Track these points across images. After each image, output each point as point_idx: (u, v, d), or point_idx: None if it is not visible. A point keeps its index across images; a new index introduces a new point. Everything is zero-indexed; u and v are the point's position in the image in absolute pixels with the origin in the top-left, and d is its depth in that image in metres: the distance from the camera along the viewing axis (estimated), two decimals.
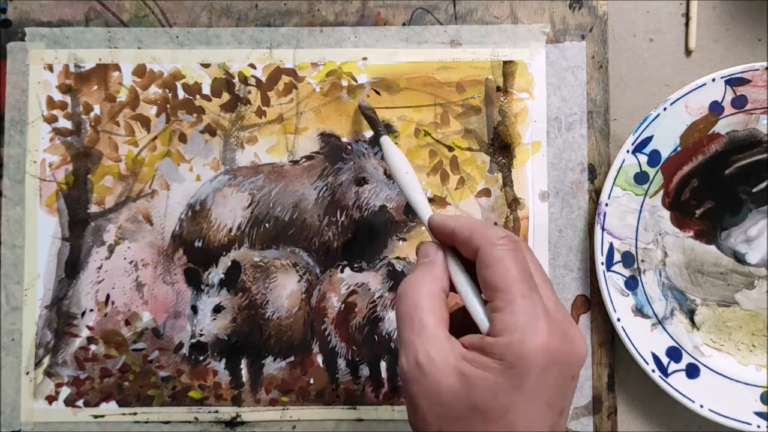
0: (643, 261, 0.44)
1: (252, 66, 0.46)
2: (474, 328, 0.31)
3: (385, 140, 0.41)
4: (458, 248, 0.33)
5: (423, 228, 0.45)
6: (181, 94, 0.46)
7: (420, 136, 0.46)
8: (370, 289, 0.45)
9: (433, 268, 0.33)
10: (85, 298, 0.45)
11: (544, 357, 0.29)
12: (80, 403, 0.45)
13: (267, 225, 0.46)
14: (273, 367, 0.45)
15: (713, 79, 0.43)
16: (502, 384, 0.29)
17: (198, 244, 0.45)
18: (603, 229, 0.44)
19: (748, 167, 0.44)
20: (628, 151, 0.43)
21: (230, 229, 0.45)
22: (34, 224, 0.45)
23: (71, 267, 0.45)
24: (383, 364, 0.45)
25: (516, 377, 0.28)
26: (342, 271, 0.45)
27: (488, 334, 0.30)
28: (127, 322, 0.45)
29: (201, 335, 0.45)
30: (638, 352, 0.43)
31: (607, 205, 0.44)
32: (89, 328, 0.45)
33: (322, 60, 0.46)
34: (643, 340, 0.43)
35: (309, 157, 0.46)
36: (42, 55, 0.45)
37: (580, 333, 0.31)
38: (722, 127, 0.44)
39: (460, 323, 0.32)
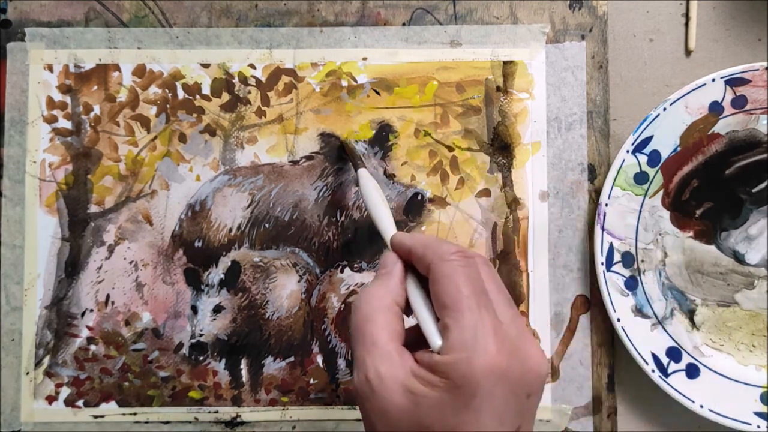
0: (643, 261, 0.44)
1: (252, 66, 0.46)
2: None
3: (362, 172, 0.41)
4: (415, 265, 0.33)
5: (423, 228, 0.45)
6: (180, 94, 0.46)
7: (420, 136, 0.46)
8: None
9: (389, 280, 0.33)
10: (85, 298, 0.45)
11: (491, 376, 0.28)
12: (80, 403, 0.45)
13: (267, 225, 0.46)
14: (273, 367, 0.45)
15: (713, 79, 0.43)
16: (448, 403, 0.28)
17: (198, 244, 0.45)
18: (603, 229, 0.44)
19: (748, 167, 0.44)
20: (628, 151, 0.43)
21: (230, 229, 0.45)
22: (34, 224, 0.45)
23: (71, 267, 0.45)
24: None
25: (461, 396, 0.28)
26: (342, 271, 0.45)
27: (438, 351, 0.30)
28: (127, 322, 0.45)
29: (201, 335, 0.45)
30: (638, 352, 0.43)
31: (607, 205, 0.44)
32: (89, 328, 0.45)
33: (322, 60, 0.46)
34: (643, 340, 0.43)
35: (309, 157, 0.46)
36: (42, 55, 0.45)
37: (537, 349, 0.30)
38: (722, 127, 0.44)
39: (418, 337, 0.32)
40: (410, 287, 0.33)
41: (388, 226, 0.37)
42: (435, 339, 0.30)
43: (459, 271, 0.30)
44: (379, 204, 0.38)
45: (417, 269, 0.33)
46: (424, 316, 0.31)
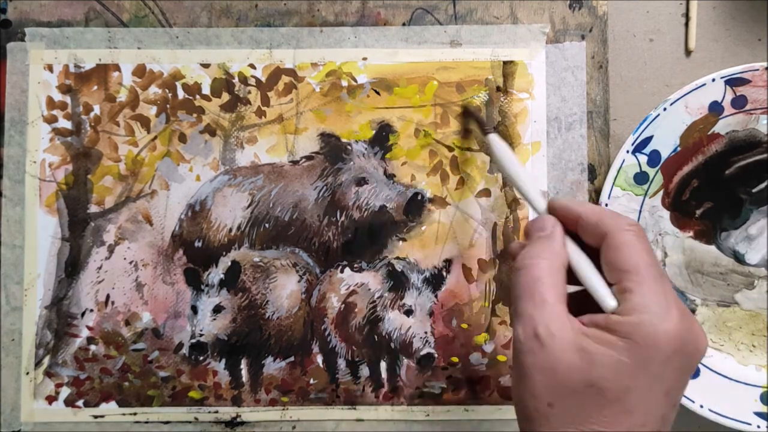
0: None
1: (252, 66, 0.46)
2: (590, 310, 0.31)
3: (493, 138, 0.40)
4: (580, 233, 0.33)
5: (423, 228, 0.45)
6: (181, 94, 0.46)
7: (420, 136, 0.46)
8: (369, 290, 0.45)
9: (552, 242, 0.33)
10: (85, 299, 0.45)
11: (674, 343, 0.28)
12: (80, 403, 0.45)
13: (267, 225, 0.46)
14: (273, 367, 0.45)
15: (713, 79, 0.43)
16: (626, 363, 0.28)
17: (198, 244, 0.45)
18: None
19: (748, 167, 0.44)
20: (628, 151, 0.43)
21: (230, 229, 0.45)
22: (34, 224, 0.45)
23: (71, 267, 0.45)
24: (383, 364, 0.45)
25: (642, 358, 0.28)
26: (342, 271, 0.45)
27: (615, 313, 0.30)
28: (127, 322, 0.45)
29: (201, 335, 0.45)
30: None
31: (607, 205, 0.44)
32: (89, 328, 0.45)
33: (322, 60, 0.46)
34: None
35: (309, 157, 0.46)
36: (42, 55, 0.45)
37: (702, 330, 0.31)
38: (722, 127, 0.44)
39: (572, 304, 0.32)
40: (572, 250, 0.33)
41: (536, 191, 0.37)
42: (610, 300, 0.31)
43: (640, 240, 0.31)
44: (519, 170, 0.38)
45: (579, 235, 0.33)
46: (594, 279, 0.32)
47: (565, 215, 0.34)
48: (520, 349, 0.30)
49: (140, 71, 0.46)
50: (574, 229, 0.34)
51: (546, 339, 0.29)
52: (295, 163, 0.46)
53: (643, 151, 0.44)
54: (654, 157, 0.44)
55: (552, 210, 0.35)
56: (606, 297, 0.31)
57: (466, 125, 0.45)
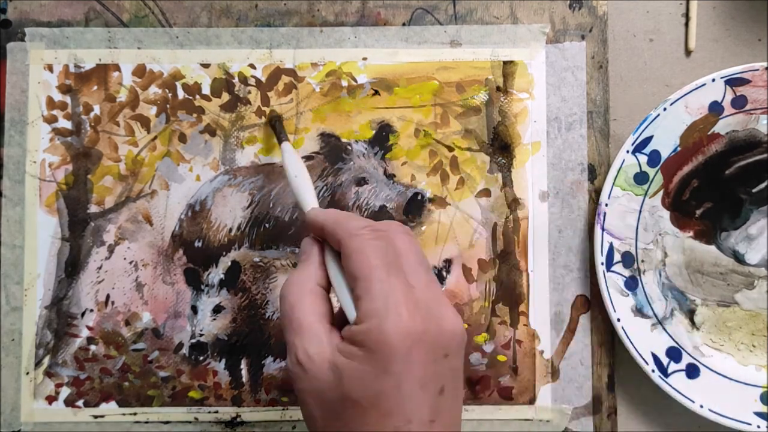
0: (643, 261, 0.44)
1: (252, 66, 0.46)
2: None
3: (286, 146, 0.41)
4: (328, 241, 0.34)
5: (423, 228, 0.45)
6: (181, 94, 0.46)
7: (420, 136, 0.46)
8: None
9: (308, 266, 0.34)
10: (85, 298, 0.45)
11: (406, 339, 0.29)
12: (80, 403, 0.45)
13: (267, 225, 0.46)
14: (273, 367, 0.45)
15: (713, 79, 0.43)
16: (367, 371, 0.29)
17: (198, 244, 0.45)
18: (603, 229, 0.44)
19: (748, 167, 0.44)
20: (628, 151, 0.43)
21: (230, 229, 0.45)
22: (34, 224, 0.45)
23: (71, 267, 0.45)
24: None
25: (379, 362, 0.29)
26: None
27: (353, 323, 0.31)
28: (127, 322, 0.45)
29: (201, 335, 0.45)
30: (638, 352, 0.43)
31: (607, 205, 0.44)
32: (89, 328, 0.45)
33: (322, 60, 0.46)
34: (643, 340, 0.43)
35: (309, 157, 0.46)
36: (42, 55, 0.45)
37: (451, 311, 0.31)
38: (722, 127, 0.44)
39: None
40: (329, 265, 0.34)
41: (308, 201, 0.37)
42: (351, 311, 0.31)
43: (368, 243, 0.31)
44: (302, 178, 0.39)
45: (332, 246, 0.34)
46: (341, 292, 0.32)
47: (314, 227, 0.35)
48: (291, 377, 0.31)
49: (140, 71, 0.46)
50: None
51: (306, 364, 0.30)
52: None
53: (643, 151, 0.44)
54: (654, 157, 0.44)
55: (308, 222, 0.36)
56: (348, 308, 0.32)
57: (271, 132, 0.45)
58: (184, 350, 0.45)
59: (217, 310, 0.45)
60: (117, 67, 0.46)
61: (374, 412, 0.29)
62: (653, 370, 0.43)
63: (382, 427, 0.29)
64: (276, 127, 0.44)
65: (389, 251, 0.31)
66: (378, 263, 0.31)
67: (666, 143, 0.44)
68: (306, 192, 0.38)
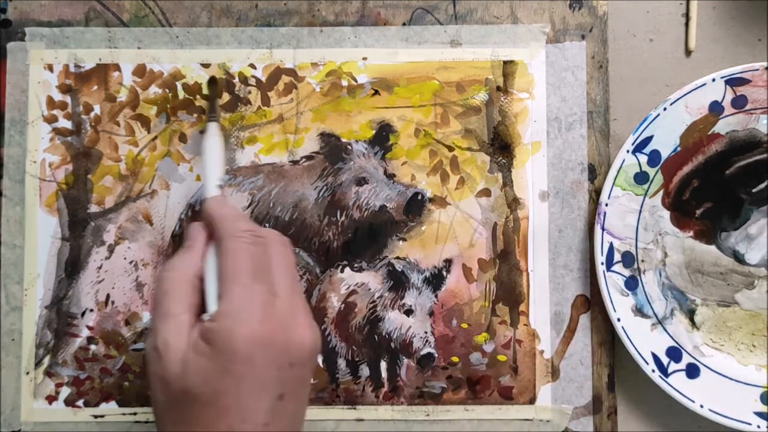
0: (643, 261, 0.44)
1: (252, 66, 0.46)
2: None
3: (212, 126, 0.41)
4: (213, 233, 0.35)
5: (423, 228, 0.45)
6: (181, 94, 0.46)
7: (420, 136, 0.46)
8: (370, 289, 0.45)
9: (191, 252, 0.35)
10: (85, 298, 0.45)
11: (252, 345, 0.30)
12: (80, 403, 0.45)
13: (267, 225, 0.46)
14: None
15: (713, 79, 0.43)
16: (211, 368, 0.30)
17: None
18: (603, 229, 0.44)
19: (748, 167, 0.44)
20: (628, 151, 0.43)
21: None
22: (34, 224, 0.45)
23: (71, 267, 0.45)
24: (383, 364, 0.45)
25: (223, 362, 0.30)
26: (342, 271, 0.45)
27: (210, 319, 0.32)
28: (127, 322, 0.45)
29: None
30: (638, 352, 0.43)
31: (607, 205, 0.44)
32: (89, 328, 0.45)
33: (322, 60, 0.46)
34: (643, 340, 0.43)
35: (309, 157, 0.46)
36: (42, 55, 0.45)
37: (306, 324, 0.32)
38: (722, 127, 0.44)
39: None
40: (208, 257, 0.34)
41: (210, 189, 0.38)
42: (212, 305, 0.32)
43: (243, 247, 0.33)
44: (212, 164, 0.39)
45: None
46: (209, 284, 0.33)
47: (205, 218, 0.36)
48: (146, 358, 0.32)
49: (140, 71, 0.46)
50: None
51: (162, 351, 0.31)
52: (295, 163, 0.46)
53: (643, 151, 0.44)
54: (654, 157, 0.44)
55: (202, 210, 0.36)
56: (210, 302, 0.33)
57: (206, 94, 0.45)
58: None
59: None
60: (117, 67, 0.46)
61: (211, 409, 0.30)
62: (653, 370, 0.43)
63: (217, 424, 0.30)
64: (211, 99, 0.43)
65: (262, 258, 0.33)
66: (246, 268, 0.32)
67: (666, 143, 0.44)
68: (212, 178, 0.38)
